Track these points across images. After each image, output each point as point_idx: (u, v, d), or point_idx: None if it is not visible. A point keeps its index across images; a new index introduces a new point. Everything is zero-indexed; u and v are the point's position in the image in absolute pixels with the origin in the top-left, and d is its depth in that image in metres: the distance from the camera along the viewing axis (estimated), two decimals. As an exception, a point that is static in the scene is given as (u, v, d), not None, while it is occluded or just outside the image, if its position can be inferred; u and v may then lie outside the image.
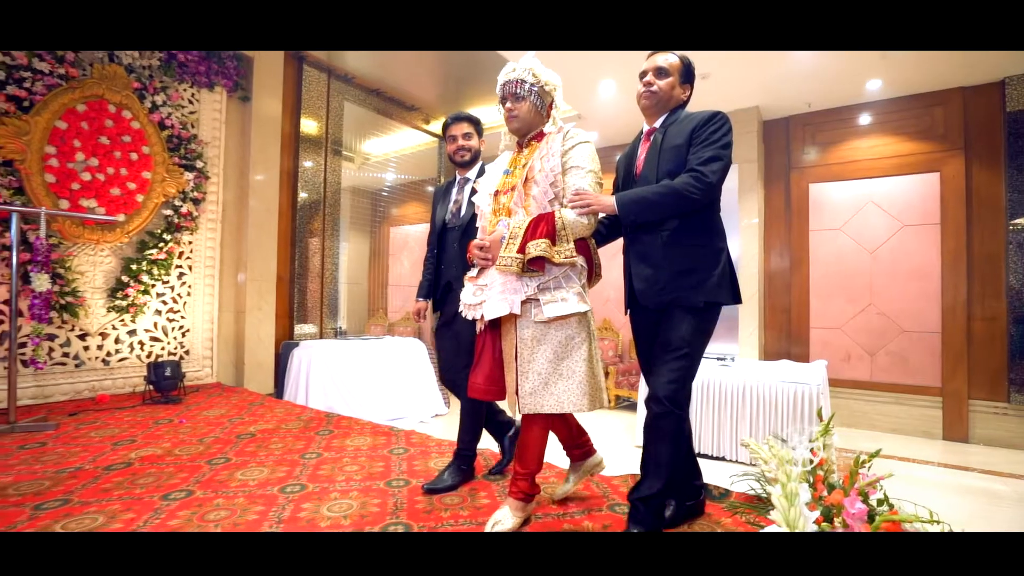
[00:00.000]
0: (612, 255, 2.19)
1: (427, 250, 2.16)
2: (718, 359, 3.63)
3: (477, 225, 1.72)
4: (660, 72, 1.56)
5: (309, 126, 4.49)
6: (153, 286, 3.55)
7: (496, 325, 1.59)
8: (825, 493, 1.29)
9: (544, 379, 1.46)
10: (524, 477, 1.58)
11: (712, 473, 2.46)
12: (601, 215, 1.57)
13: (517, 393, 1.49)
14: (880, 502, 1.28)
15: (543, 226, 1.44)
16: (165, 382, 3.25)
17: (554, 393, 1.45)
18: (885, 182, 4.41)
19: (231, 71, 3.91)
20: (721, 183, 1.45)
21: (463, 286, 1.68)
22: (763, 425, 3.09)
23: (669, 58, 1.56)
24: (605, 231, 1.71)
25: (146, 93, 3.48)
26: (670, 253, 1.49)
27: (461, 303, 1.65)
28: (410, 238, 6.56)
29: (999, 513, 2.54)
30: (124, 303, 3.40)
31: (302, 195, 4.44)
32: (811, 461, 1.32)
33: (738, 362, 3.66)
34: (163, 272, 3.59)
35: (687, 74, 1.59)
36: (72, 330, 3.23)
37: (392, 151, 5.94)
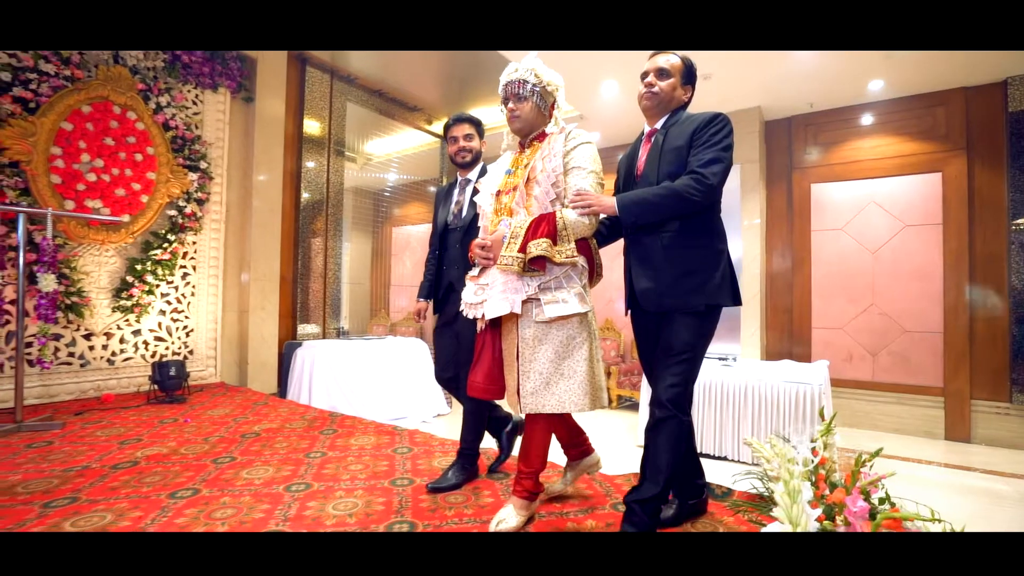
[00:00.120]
0: (614, 255, 2.20)
1: (429, 251, 2.17)
2: (720, 359, 3.64)
3: (479, 225, 1.73)
4: (661, 73, 1.55)
5: (312, 127, 4.51)
6: (157, 286, 3.57)
7: (496, 324, 1.60)
8: (827, 492, 1.30)
9: (546, 379, 1.47)
10: (528, 476, 1.59)
11: (714, 473, 2.47)
12: (602, 216, 1.57)
13: (519, 393, 1.50)
14: (882, 501, 1.29)
15: (544, 226, 1.45)
16: (169, 382, 3.27)
17: (555, 393, 1.46)
18: (887, 182, 4.41)
19: (235, 72, 3.93)
20: (722, 185, 1.45)
21: (465, 286, 1.69)
22: (765, 425, 3.10)
23: (671, 59, 1.56)
24: (606, 231, 1.71)
25: (151, 94, 3.51)
26: (671, 255, 1.48)
27: (462, 302, 1.66)
28: (412, 238, 6.58)
29: (1001, 513, 2.54)
30: (129, 303, 3.42)
31: (305, 195, 4.46)
32: (811, 461, 1.33)
33: (740, 362, 3.67)
34: (167, 272, 3.61)
35: (689, 75, 1.58)
36: (77, 330, 3.25)
37: (394, 151, 5.96)
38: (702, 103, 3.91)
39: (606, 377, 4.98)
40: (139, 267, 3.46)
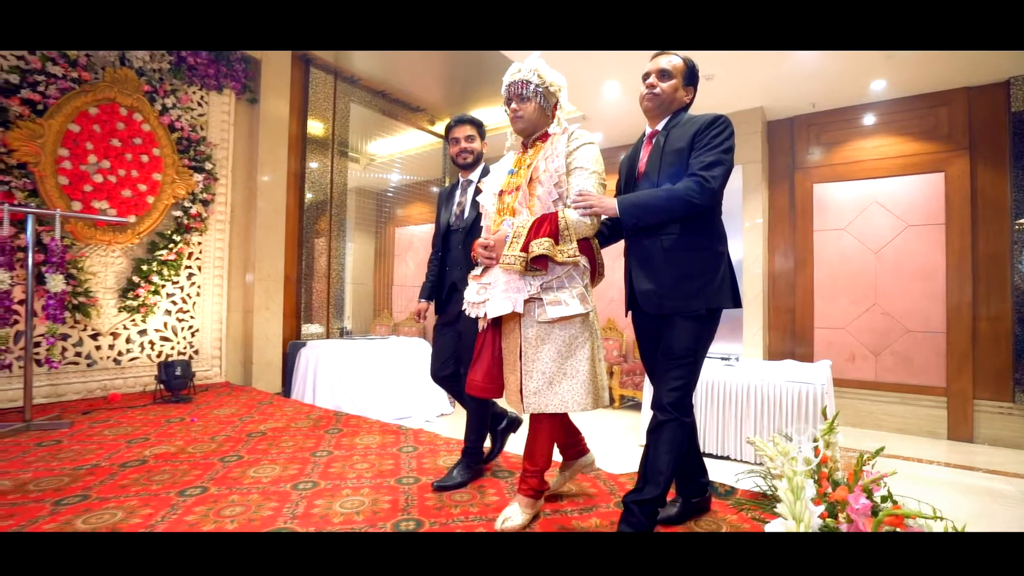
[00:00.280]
0: (616, 255, 2.21)
1: (431, 252, 2.19)
2: (723, 359, 3.65)
3: (482, 224, 1.74)
4: (663, 74, 1.54)
5: (316, 127, 4.53)
6: (163, 286, 3.60)
7: (497, 324, 1.61)
8: (830, 490, 1.31)
9: (549, 378, 1.48)
10: (534, 474, 1.61)
11: (717, 472, 2.48)
12: (604, 217, 1.58)
13: (521, 392, 1.51)
14: (884, 499, 1.30)
15: (546, 226, 1.46)
16: (175, 381, 3.29)
17: (558, 392, 1.48)
18: (889, 182, 4.41)
19: (239, 74, 3.96)
20: (723, 188, 1.45)
21: (468, 286, 1.70)
22: (768, 425, 3.11)
23: (673, 60, 1.55)
24: (607, 232, 1.70)
25: (156, 96, 3.53)
26: (671, 258, 1.48)
27: (465, 301, 1.67)
28: (415, 238, 6.60)
29: (1003, 512, 2.55)
30: (135, 303, 3.44)
31: (309, 196, 4.49)
32: (812, 460, 1.34)
33: (742, 362, 3.68)
34: (173, 272, 3.64)
35: (691, 76, 1.58)
36: (84, 330, 3.28)
37: (397, 152, 5.99)
38: (704, 104, 3.92)
39: (608, 377, 5.00)
40: (145, 267, 3.49)
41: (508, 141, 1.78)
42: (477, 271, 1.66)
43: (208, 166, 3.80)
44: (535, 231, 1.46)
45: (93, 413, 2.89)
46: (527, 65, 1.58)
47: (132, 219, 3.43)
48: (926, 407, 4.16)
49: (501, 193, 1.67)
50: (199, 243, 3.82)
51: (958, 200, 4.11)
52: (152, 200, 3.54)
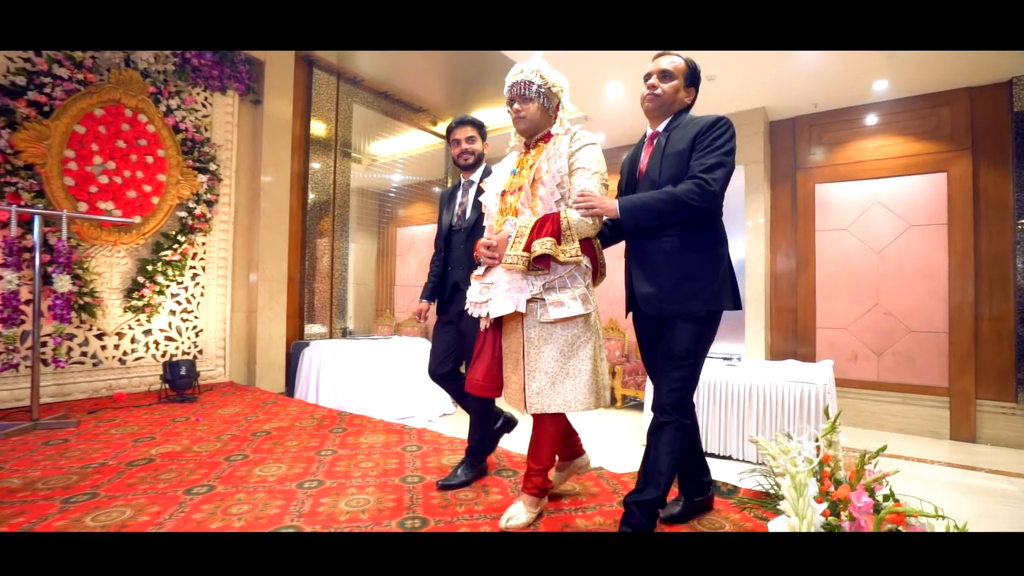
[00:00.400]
0: (618, 255, 2.22)
1: (434, 253, 2.20)
2: (725, 359, 3.66)
3: (484, 224, 1.75)
4: (664, 75, 1.54)
5: (319, 128, 4.55)
6: (168, 287, 3.62)
7: (498, 323, 1.62)
8: (832, 488, 1.32)
9: (551, 378, 1.49)
10: (538, 473, 1.62)
11: (720, 471, 2.49)
12: (605, 217, 1.58)
13: (524, 392, 1.52)
14: (886, 498, 1.31)
15: (548, 226, 1.47)
16: (180, 381, 3.31)
17: (561, 392, 1.49)
18: (892, 182, 4.41)
19: (243, 75, 3.98)
20: (724, 190, 1.44)
21: (470, 285, 1.71)
22: (770, 424, 3.11)
23: (674, 61, 1.55)
24: (609, 233, 1.70)
25: (161, 97, 3.55)
26: (671, 260, 1.48)
27: (467, 301, 1.67)
28: (417, 239, 6.61)
29: (1005, 512, 2.55)
30: (140, 303, 3.47)
31: (311, 196, 4.50)
32: (813, 460, 1.35)
33: (744, 362, 3.68)
34: (177, 273, 3.66)
35: (692, 77, 1.57)
36: (90, 330, 3.30)
37: (399, 152, 6.00)
38: (706, 104, 3.93)
39: (611, 377, 5.01)
40: (150, 268, 3.51)
41: (511, 141, 1.79)
42: (480, 271, 1.67)
43: (212, 167, 3.82)
44: (537, 231, 1.47)
45: (99, 412, 2.91)
46: (529, 66, 1.59)
47: (137, 220, 3.45)
48: (928, 407, 4.16)
49: (503, 193, 1.67)
50: (203, 243, 3.84)
51: (960, 200, 4.11)
52: (157, 201, 3.56)
